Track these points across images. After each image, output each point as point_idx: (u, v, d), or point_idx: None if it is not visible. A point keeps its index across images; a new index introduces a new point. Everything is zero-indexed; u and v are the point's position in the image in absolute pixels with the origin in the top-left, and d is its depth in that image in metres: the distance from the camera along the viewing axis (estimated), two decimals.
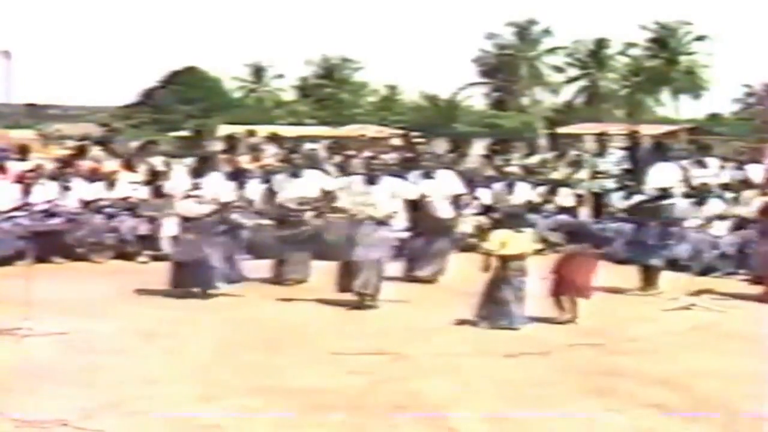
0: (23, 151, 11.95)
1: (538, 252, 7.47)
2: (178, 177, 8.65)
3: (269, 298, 8.40)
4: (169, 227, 8.56)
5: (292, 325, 7.37)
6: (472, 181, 12.16)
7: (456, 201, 9.53)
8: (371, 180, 8.18)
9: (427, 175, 9.49)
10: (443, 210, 9.36)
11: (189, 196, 8.23)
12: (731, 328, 7.39)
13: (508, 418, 5.03)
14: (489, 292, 7.22)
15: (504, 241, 7.22)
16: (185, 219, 8.33)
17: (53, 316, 7.15)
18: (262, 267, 9.28)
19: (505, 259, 7.20)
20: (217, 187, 8.42)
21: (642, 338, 7.02)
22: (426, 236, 9.26)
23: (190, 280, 8.20)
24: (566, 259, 7.74)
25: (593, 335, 7.02)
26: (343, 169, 12.56)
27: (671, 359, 6.35)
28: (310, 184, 9.11)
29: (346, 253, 7.97)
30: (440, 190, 9.35)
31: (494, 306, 7.18)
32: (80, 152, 12.56)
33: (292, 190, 9.10)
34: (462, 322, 7.28)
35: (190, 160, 9.55)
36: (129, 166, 11.94)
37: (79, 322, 7.14)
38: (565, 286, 7.49)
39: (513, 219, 7.61)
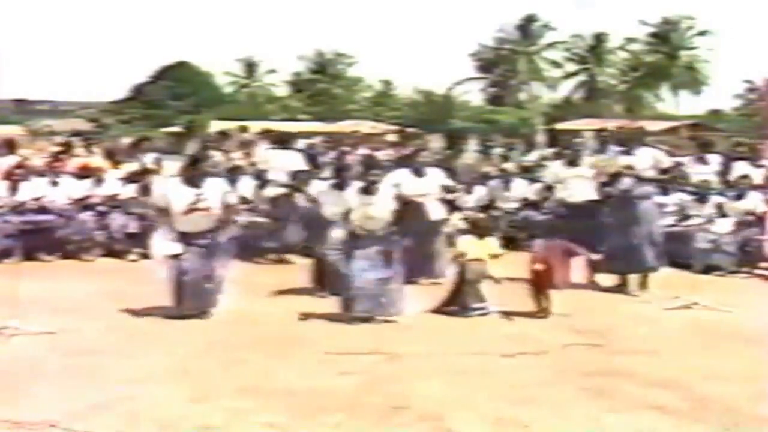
0: (10, 147, 11.82)
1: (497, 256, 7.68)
2: (174, 186, 7.63)
3: (262, 297, 8.25)
4: (165, 243, 7.49)
5: (284, 325, 7.25)
6: (468, 177, 12.10)
7: (447, 199, 9.31)
8: (367, 189, 7.58)
9: (417, 172, 9.27)
10: (434, 209, 9.16)
11: (192, 210, 7.41)
12: (734, 327, 7.28)
13: (506, 419, 4.93)
14: (454, 288, 7.67)
15: (465, 247, 7.72)
16: (187, 234, 7.43)
17: (41, 314, 7.08)
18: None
19: (467, 262, 7.63)
20: (217, 194, 7.57)
21: (642, 338, 6.92)
22: (415, 237, 8.80)
23: (194, 301, 7.43)
24: (544, 253, 7.77)
25: (592, 335, 6.92)
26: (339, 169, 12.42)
27: (672, 360, 6.24)
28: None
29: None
30: (431, 187, 9.14)
31: (458, 300, 7.59)
32: (67, 148, 12.44)
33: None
34: (455, 316, 7.36)
35: (181, 162, 9.06)
36: (117, 163, 11.84)
37: (68, 321, 7.04)
38: (544, 280, 7.60)
39: (479, 227, 8.01)
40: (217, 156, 12.49)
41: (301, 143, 14.91)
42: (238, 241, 8.97)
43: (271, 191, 10.76)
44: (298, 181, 10.34)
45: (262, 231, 10.67)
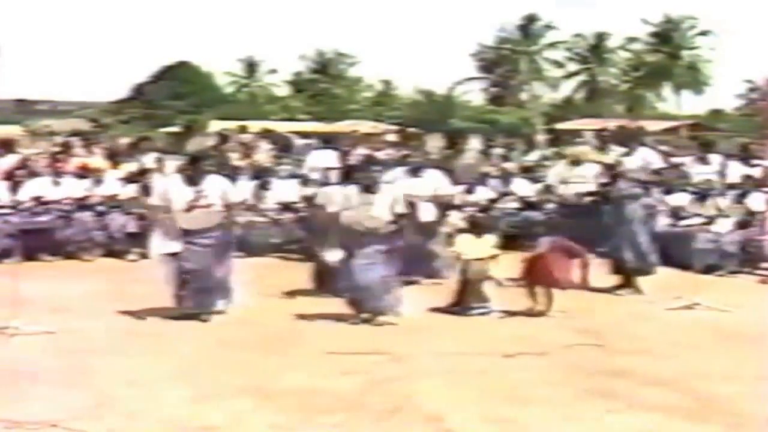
0: (9, 147, 11.81)
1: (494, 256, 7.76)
2: (174, 184, 7.55)
3: (264, 297, 8.24)
4: (164, 242, 7.43)
5: (285, 325, 7.24)
6: (468, 178, 12.08)
7: (441, 201, 9.25)
8: (369, 188, 7.47)
9: (415, 173, 9.22)
10: (428, 210, 9.10)
11: (193, 208, 7.30)
12: (735, 328, 7.26)
13: (507, 419, 4.93)
14: (458, 288, 7.73)
15: (462, 245, 7.83)
16: (189, 232, 7.31)
17: (41, 315, 7.07)
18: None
19: (467, 261, 7.70)
20: (218, 191, 7.46)
21: (644, 338, 6.92)
22: (415, 237, 8.68)
23: (195, 301, 7.33)
24: (543, 251, 7.78)
25: (593, 335, 6.91)
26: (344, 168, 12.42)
27: (674, 360, 6.24)
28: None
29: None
30: (427, 189, 9.08)
31: (462, 300, 7.66)
32: (66, 148, 12.45)
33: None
34: (456, 315, 7.37)
35: (181, 161, 9.01)
36: (117, 163, 11.84)
37: (68, 321, 7.04)
38: (541, 278, 7.62)
39: (477, 226, 8.16)
40: (231, 154, 12.57)
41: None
42: (246, 239, 8.97)
43: (309, 191, 10.68)
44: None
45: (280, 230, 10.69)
